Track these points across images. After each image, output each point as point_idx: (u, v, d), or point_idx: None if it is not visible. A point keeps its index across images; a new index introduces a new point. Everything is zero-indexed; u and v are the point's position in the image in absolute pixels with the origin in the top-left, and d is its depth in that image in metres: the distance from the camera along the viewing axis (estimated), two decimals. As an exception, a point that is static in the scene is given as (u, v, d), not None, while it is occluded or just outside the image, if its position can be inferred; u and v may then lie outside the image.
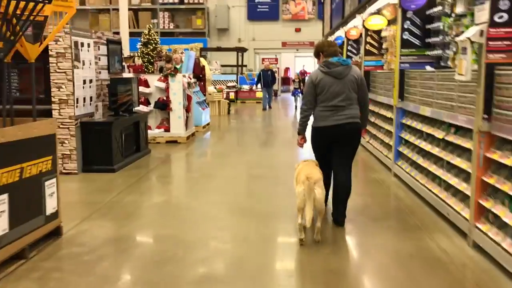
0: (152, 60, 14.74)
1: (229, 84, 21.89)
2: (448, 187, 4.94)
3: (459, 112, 4.70)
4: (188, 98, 10.39)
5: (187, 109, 10.41)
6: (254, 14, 26.55)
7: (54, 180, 4.29)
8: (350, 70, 4.51)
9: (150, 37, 16.54)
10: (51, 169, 4.23)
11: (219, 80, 22.54)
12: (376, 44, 9.22)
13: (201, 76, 14.80)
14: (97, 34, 7.72)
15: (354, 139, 4.64)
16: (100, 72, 7.79)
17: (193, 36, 25.85)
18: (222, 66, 24.75)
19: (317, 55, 4.77)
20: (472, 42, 3.86)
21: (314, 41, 26.35)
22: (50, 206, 4.23)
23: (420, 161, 5.81)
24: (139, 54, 16.28)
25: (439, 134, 5.23)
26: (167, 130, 9.96)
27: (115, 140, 7.25)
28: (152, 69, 13.24)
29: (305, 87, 4.76)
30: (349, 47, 11.81)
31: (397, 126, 6.79)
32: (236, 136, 11.38)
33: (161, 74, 10.12)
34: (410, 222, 4.85)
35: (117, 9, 26.44)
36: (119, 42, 8.71)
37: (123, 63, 11.52)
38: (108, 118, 7.57)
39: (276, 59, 28.08)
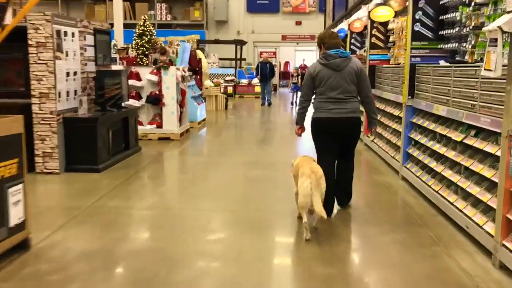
0: (146, 52, 14.19)
1: (227, 78, 21.32)
2: (466, 195, 4.40)
3: (481, 112, 4.15)
4: (182, 93, 9.82)
5: (181, 104, 9.85)
6: (253, 6, 25.91)
7: (20, 186, 3.74)
8: (350, 62, 4.46)
9: (145, 29, 16.02)
10: (16, 173, 3.69)
11: (217, 74, 21.96)
12: (382, 37, 8.66)
13: (197, 69, 14.24)
14: (83, 23, 7.15)
15: (354, 133, 4.67)
16: (86, 64, 7.23)
17: (191, 28, 25.18)
18: (220, 59, 24.16)
19: (319, 46, 4.76)
20: (503, 32, 3.31)
21: (315, 34, 25.72)
22: (15, 216, 3.69)
23: (433, 165, 5.26)
24: (133, 46, 15.80)
25: (456, 136, 4.69)
26: (160, 126, 9.41)
27: (100, 138, 6.70)
28: (147, 61, 12.72)
29: (304, 79, 4.74)
30: (352, 40, 11.24)
31: (406, 126, 6.25)
32: (232, 133, 10.83)
33: (154, 66, 9.54)
34: (423, 235, 4.32)
35: (111, 0, 26.00)
36: (107, 32, 8.13)
37: (115, 55, 10.98)
38: (94, 114, 7.01)
39: (275, 53, 27.49)
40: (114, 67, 8.94)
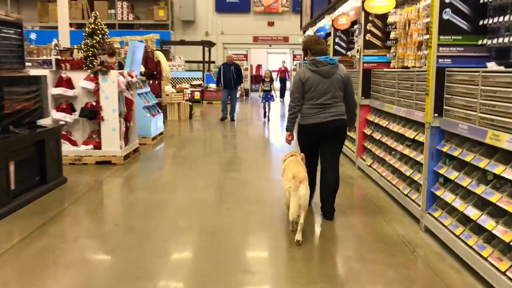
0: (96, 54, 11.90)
1: (194, 82, 19.19)
2: None
3: None
4: (128, 103, 7.68)
5: (127, 118, 7.71)
6: (222, 6, 23.85)
7: None
8: (337, 69, 4.54)
9: (97, 27, 13.78)
10: None
11: (183, 78, 19.81)
12: (379, 34, 6.75)
13: (155, 73, 12.11)
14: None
15: (340, 136, 4.68)
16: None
17: (155, 29, 22.92)
18: (187, 62, 22.02)
19: (304, 52, 4.79)
20: None
21: (289, 36, 23.90)
22: None
23: (473, 214, 3.34)
24: (82, 46, 13.53)
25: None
26: (98, 146, 7.25)
27: (-9, 174, 4.54)
28: (97, 64, 10.55)
29: (292, 85, 4.84)
30: (337, 39, 9.32)
31: (431, 156, 4.31)
32: (193, 152, 8.71)
33: (89, 71, 7.37)
34: None
35: (70, -3, 23.57)
36: (16, 24, 5.90)
37: (57, 57, 8.83)
38: (-16, 139, 4.84)
39: (245, 55, 25.45)
40: (37, 72, 6.78)
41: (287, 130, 4.79)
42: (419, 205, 4.53)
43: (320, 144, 4.64)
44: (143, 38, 13.90)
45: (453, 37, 4.17)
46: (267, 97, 13.41)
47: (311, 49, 4.62)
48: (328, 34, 11.25)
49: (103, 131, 7.21)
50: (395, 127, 5.58)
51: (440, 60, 4.19)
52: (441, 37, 4.16)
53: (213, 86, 19.23)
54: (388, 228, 4.51)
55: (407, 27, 5.99)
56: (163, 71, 13.90)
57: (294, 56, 25.48)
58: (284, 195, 4.22)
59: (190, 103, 13.69)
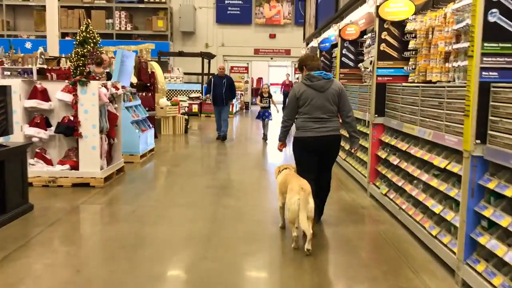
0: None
1: (193, 95, 18.36)
2: None
3: None
4: (112, 118, 6.81)
5: (110, 134, 6.84)
6: (223, 17, 23.13)
7: None
8: (332, 84, 4.61)
9: (88, 35, 13.00)
10: None
11: (181, 90, 18.98)
12: (396, 44, 5.90)
13: (148, 84, 11.27)
14: None
15: (334, 150, 4.79)
16: None
17: (153, 39, 22.19)
18: (186, 74, 21.23)
19: (300, 68, 4.87)
20: None
21: (291, 49, 23.16)
22: None
23: None
24: (72, 55, 12.73)
25: None
26: (75, 167, 6.37)
27: None
28: (93, 74, 9.75)
29: (288, 99, 4.77)
30: (344, 51, 8.48)
31: (471, 193, 3.42)
32: (186, 171, 7.81)
33: (67, 82, 6.50)
34: None
35: (67, 7, 22.85)
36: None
37: (42, 65, 8.02)
38: None
39: (246, 68, 24.65)
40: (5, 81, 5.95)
41: (279, 140, 4.96)
42: (454, 253, 3.62)
43: (315, 157, 4.67)
44: (138, 48, 13.10)
45: (501, 45, 3.30)
46: (265, 115, 11.44)
47: (307, 65, 4.73)
48: (334, 46, 10.43)
49: (81, 150, 6.33)
50: (418, 152, 4.69)
51: (484, 73, 3.33)
52: (485, 44, 3.30)
53: (211, 99, 18.39)
54: (417, 281, 3.59)
55: (429, 36, 5.13)
56: (158, 83, 13.09)
57: (296, 69, 24.72)
58: (288, 209, 4.10)
59: (186, 117, 12.82)
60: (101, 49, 12.47)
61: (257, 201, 5.98)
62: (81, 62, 12.09)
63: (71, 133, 6.32)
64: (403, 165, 5.08)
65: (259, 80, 26.07)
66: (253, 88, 25.08)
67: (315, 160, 4.63)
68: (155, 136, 11.28)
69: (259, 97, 11.61)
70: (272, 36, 23.34)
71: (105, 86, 6.58)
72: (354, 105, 7.46)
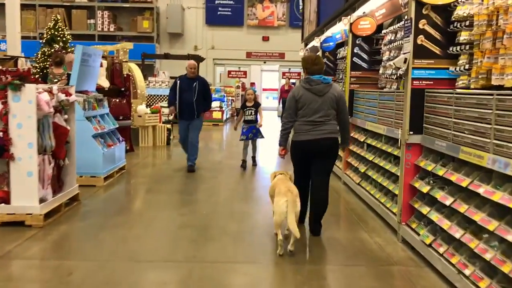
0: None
1: (179, 101, 16.65)
2: None
3: None
4: (60, 133, 5.13)
5: (57, 154, 5.16)
6: (213, 18, 21.54)
7: None
8: (330, 88, 4.54)
9: (57, 33, 11.32)
10: None
11: (166, 96, 17.28)
12: (438, 36, 4.31)
13: (123, 89, 9.61)
14: None
15: (332, 153, 4.65)
16: None
17: (139, 41, 20.56)
18: (172, 78, 19.52)
19: (303, 69, 4.79)
20: None
21: (285, 52, 21.60)
22: None
23: None
24: (38, 56, 11.05)
25: None
26: (5, 199, 4.69)
27: None
28: (51, 76, 8.12)
29: (287, 101, 4.69)
30: (356, 50, 6.89)
31: None
32: (162, 201, 6.02)
33: (-4, 84, 4.81)
34: None
35: (46, 5, 21.08)
36: None
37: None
38: None
39: (245, 72, 22.94)
40: None
41: (280, 145, 4.81)
42: None
43: (312, 161, 4.60)
44: (114, 48, 11.43)
45: None
46: (252, 132, 8.13)
47: (307, 68, 4.65)
48: (340, 45, 8.87)
49: (13, 177, 4.65)
50: (496, 195, 3.07)
51: None
52: None
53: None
54: None
55: (495, 23, 3.55)
56: (137, 88, 11.42)
57: (284, 74, 23.04)
58: (275, 212, 4.06)
59: (168, 126, 11.15)
60: (72, 48, 10.82)
61: (251, 253, 4.31)
62: (48, 63, 10.49)
63: (0, 154, 4.64)
64: (462, 208, 3.47)
65: (252, 85, 24.27)
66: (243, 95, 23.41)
67: (310, 163, 4.58)
68: (130, 150, 9.62)
69: (241, 110, 8.42)
70: (265, 39, 21.80)
71: (50, 91, 4.91)
72: (373, 117, 5.86)
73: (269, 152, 10.57)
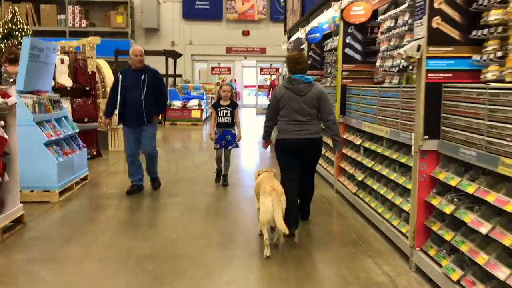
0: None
1: (155, 99, 15.63)
2: None
3: None
4: (-5, 144, 4.16)
5: (-10, 171, 4.18)
6: (191, 12, 20.50)
7: None
8: (312, 88, 4.46)
9: (15, 27, 10.22)
10: None
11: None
12: (457, 18, 3.45)
13: (87, 88, 8.61)
14: None
15: (315, 153, 4.67)
16: None
17: (113, 37, 19.39)
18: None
19: (287, 69, 4.73)
20: None
21: (266, 47, 20.70)
22: None
23: None
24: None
25: None
26: None
27: None
28: (5, 75, 7.13)
29: (269, 101, 4.76)
30: (348, 39, 6.03)
31: None
32: (127, 221, 5.14)
33: None
34: None
35: (12, 0, 19.75)
36: None
37: None
38: None
39: (229, 69, 21.86)
40: None
41: (263, 139, 4.88)
42: None
43: (296, 159, 4.52)
44: (80, 43, 10.38)
45: None
46: (225, 139, 6.39)
47: (291, 67, 4.56)
48: (327, 37, 8.02)
49: None
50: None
51: None
52: None
53: (177, 103, 15.73)
54: None
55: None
56: (106, 86, 10.38)
57: (261, 69, 22.12)
58: (261, 211, 4.00)
59: (141, 128, 10.14)
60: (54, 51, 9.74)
61: None
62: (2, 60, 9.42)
63: None
64: (507, 239, 2.62)
65: (233, 82, 23.25)
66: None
67: (296, 163, 4.51)
68: (98, 155, 8.63)
69: (212, 109, 6.58)
70: (246, 33, 20.86)
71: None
72: (371, 117, 5.01)
73: (251, 149, 9.69)
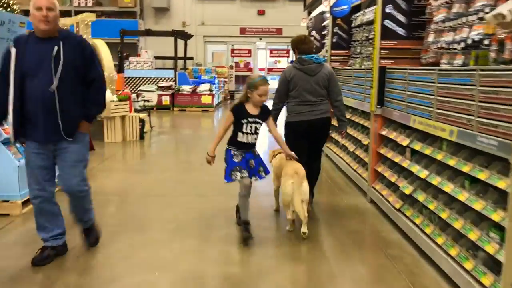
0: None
1: (163, 83, 14.43)
2: None
3: None
4: None
5: None
6: (203, -10, 19.08)
7: None
8: (322, 68, 4.42)
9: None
10: None
11: (148, 78, 15.06)
12: None
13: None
14: None
15: (324, 132, 4.63)
16: None
17: (121, 17, 18.27)
18: (158, 58, 17.22)
19: (293, 51, 4.66)
20: None
21: (282, 27, 19.21)
22: None
23: None
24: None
25: None
26: None
27: None
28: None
29: (279, 82, 4.51)
30: (389, 9, 4.66)
31: None
32: (100, 244, 4.04)
33: None
34: None
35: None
36: None
37: None
38: None
39: (249, 51, 20.26)
40: None
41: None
42: None
43: (306, 140, 4.46)
44: (73, 21, 9.19)
45: None
46: (248, 166, 3.89)
47: (298, 48, 4.49)
48: (356, 9, 6.67)
49: None
50: None
51: None
52: None
53: (187, 88, 14.47)
54: None
55: None
56: (104, 68, 9.16)
57: (271, 51, 20.50)
58: (282, 192, 3.99)
59: (141, 116, 8.96)
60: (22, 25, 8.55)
61: None
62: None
63: None
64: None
65: (247, 65, 21.46)
66: (240, 76, 20.47)
67: (306, 146, 4.43)
68: (90, 148, 7.45)
69: (230, 117, 3.91)
70: (261, 13, 19.38)
71: None
72: (424, 110, 3.68)
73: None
